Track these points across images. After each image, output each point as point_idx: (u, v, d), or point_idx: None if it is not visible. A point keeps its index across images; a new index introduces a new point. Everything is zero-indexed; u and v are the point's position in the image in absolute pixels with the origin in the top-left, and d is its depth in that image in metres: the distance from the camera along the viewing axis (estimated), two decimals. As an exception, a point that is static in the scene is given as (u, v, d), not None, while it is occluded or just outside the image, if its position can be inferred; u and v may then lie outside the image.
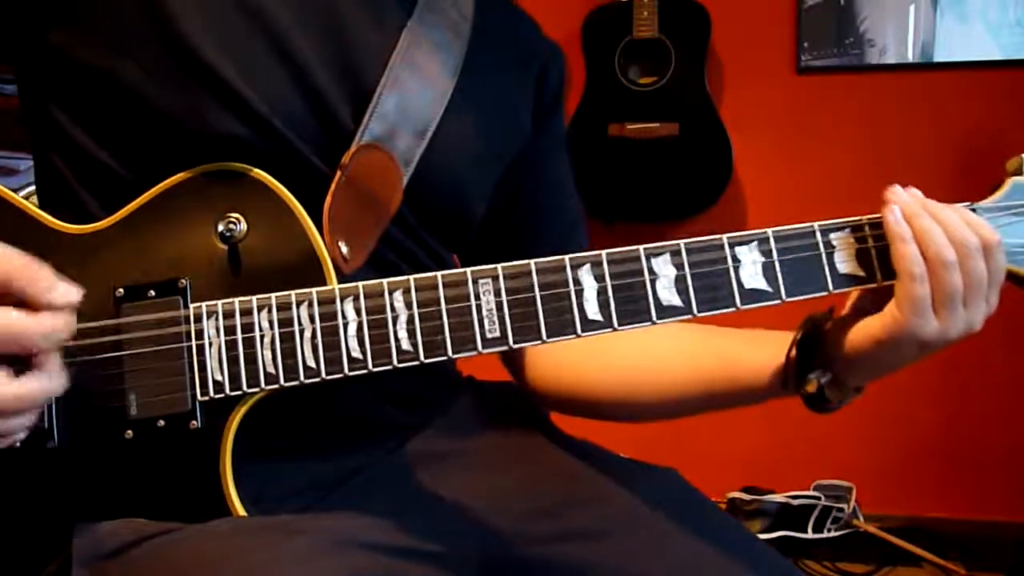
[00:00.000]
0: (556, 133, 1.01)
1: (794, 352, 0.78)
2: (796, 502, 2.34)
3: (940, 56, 2.32)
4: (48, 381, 0.64)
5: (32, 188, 0.89)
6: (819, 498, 2.35)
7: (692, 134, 2.33)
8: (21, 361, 0.64)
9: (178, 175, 0.75)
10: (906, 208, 0.72)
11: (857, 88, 2.38)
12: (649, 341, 0.89)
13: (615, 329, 0.72)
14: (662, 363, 0.89)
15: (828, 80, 2.39)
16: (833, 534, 2.31)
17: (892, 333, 0.72)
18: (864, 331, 0.74)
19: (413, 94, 0.83)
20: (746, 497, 2.37)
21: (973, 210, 0.74)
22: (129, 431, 0.71)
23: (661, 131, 2.32)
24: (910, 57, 2.33)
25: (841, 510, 2.33)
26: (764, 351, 0.81)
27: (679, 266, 0.72)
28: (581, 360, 0.93)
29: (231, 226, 0.73)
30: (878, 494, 2.40)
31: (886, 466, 2.42)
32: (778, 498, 2.35)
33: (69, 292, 0.64)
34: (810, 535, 2.31)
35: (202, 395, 0.71)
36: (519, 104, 0.96)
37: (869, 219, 0.74)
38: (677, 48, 2.32)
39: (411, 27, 0.84)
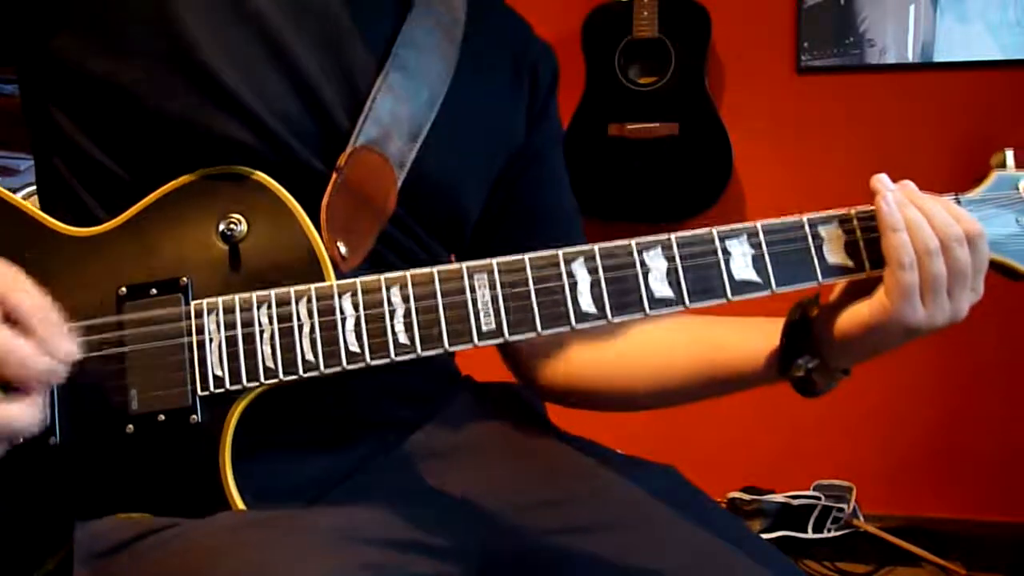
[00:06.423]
0: (551, 132, 1.02)
1: (783, 338, 0.80)
2: (796, 502, 2.34)
3: (940, 56, 2.32)
4: (29, 415, 0.66)
5: (32, 188, 0.90)
6: (819, 498, 2.35)
7: (692, 134, 2.33)
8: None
9: (180, 179, 0.76)
10: (896, 198, 0.73)
11: (857, 88, 2.38)
12: (643, 331, 0.91)
13: (609, 321, 0.73)
14: (656, 353, 0.90)
15: (828, 80, 2.39)
16: (833, 534, 2.31)
17: (880, 319, 0.73)
18: (853, 317, 0.75)
19: (407, 98, 0.84)
20: (746, 497, 2.37)
21: (958, 201, 0.76)
22: (130, 426, 0.72)
23: (661, 131, 2.32)
24: (910, 57, 2.34)
25: (841, 510, 2.33)
26: (755, 338, 0.82)
27: (670, 259, 0.73)
28: (578, 352, 0.94)
29: (232, 226, 0.75)
30: (878, 494, 2.40)
31: (886, 466, 2.42)
32: (778, 498, 2.35)
33: (71, 348, 0.67)
34: (810, 535, 2.31)
35: (202, 390, 0.72)
36: (512, 105, 0.97)
37: (857, 211, 0.76)
38: (677, 48, 2.32)
39: (405, 32, 0.86)
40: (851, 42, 2.36)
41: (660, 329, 0.90)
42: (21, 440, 0.68)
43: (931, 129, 2.33)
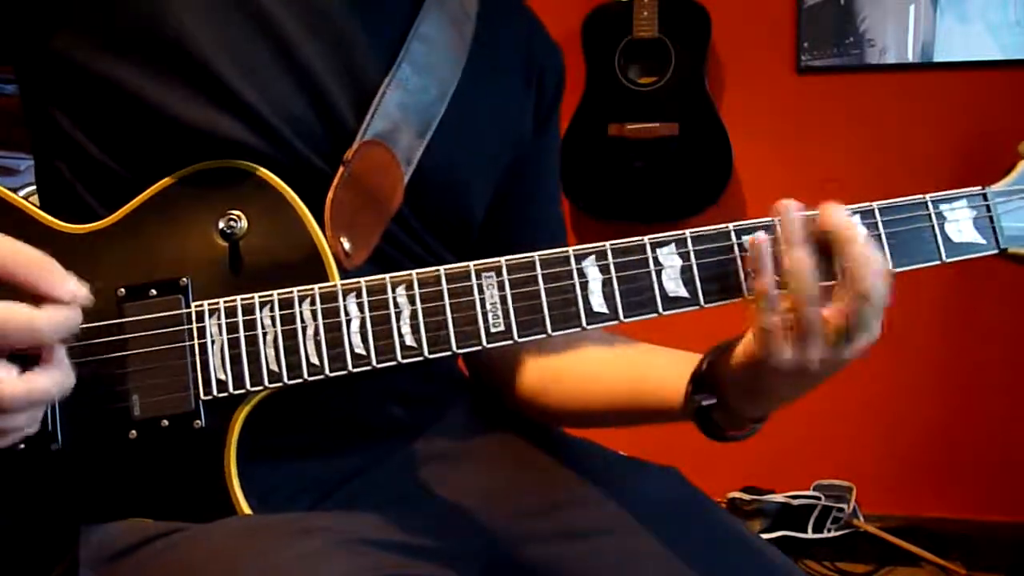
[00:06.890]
0: (551, 139, 1.01)
1: (692, 374, 0.78)
2: (796, 502, 2.34)
3: (940, 56, 2.32)
4: (56, 377, 0.63)
5: (32, 188, 0.89)
6: (819, 498, 2.35)
7: (692, 134, 2.33)
8: (28, 358, 0.64)
9: (176, 173, 0.75)
10: (760, 241, 0.69)
11: (857, 88, 2.38)
12: (579, 353, 0.90)
13: (621, 321, 0.71)
14: (584, 375, 0.90)
15: (828, 80, 2.39)
16: (833, 534, 2.31)
17: (750, 359, 0.70)
18: (735, 357, 0.73)
19: (416, 93, 0.82)
20: (746, 497, 2.37)
21: (984, 195, 0.73)
22: (133, 431, 0.71)
23: (661, 131, 2.32)
24: (910, 57, 2.33)
25: (841, 510, 2.33)
26: (682, 371, 0.79)
27: (684, 256, 0.71)
28: (527, 367, 0.94)
29: (231, 223, 0.73)
30: (878, 494, 2.40)
31: (886, 466, 2.42)
32: (778, 498, 2.35)
33: (78, 288, 0.64)
34: (810, 535, 2.31)
35: (205, 394, 0.71)
36: (521, 106, 0.96)
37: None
38: (677, 48, 2.32)
39: (417, 26, 0.84)
40: (851, 42, 2.35)
41: (594, 353, 0.90)
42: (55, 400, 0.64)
43: (931, 129, 2.33)
